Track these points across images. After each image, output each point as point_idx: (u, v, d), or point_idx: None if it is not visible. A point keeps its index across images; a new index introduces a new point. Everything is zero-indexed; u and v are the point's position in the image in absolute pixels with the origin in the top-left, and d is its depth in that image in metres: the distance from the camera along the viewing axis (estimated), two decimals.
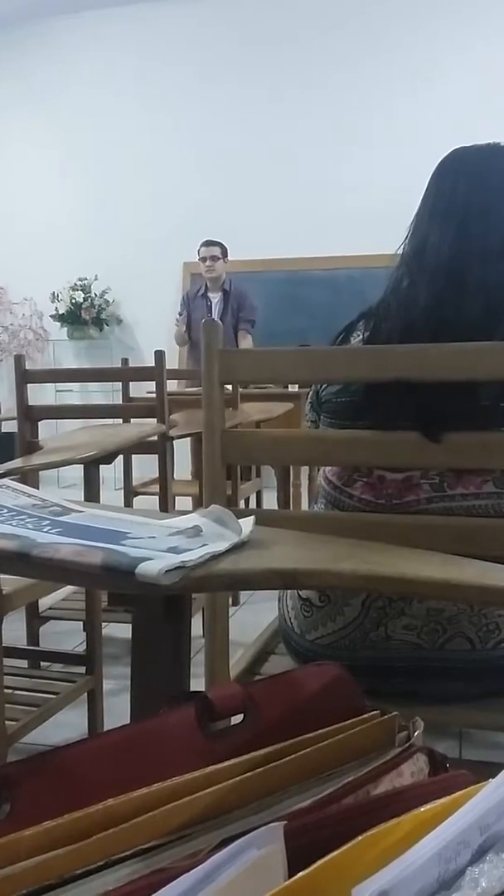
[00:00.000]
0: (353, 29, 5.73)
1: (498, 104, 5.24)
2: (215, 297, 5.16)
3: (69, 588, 2.50)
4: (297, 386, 3.77)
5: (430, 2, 5.54)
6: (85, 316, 6.20)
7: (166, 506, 2.65)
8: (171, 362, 4.65)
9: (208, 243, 5.08)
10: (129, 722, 0.63)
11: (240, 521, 0.82)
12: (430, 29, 5.56)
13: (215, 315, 5.10)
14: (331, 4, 5.76)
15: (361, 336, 1.17)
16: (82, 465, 1.81)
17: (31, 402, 2.38)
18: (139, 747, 0.58)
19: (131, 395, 3.31)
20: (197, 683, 0.83)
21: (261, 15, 5.90)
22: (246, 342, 5.02)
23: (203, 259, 5.08)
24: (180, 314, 5.28)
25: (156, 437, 2.47)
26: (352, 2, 5.72)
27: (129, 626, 0.79)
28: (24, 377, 2.39)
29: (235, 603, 2.91)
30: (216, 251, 5.06)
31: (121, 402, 3.31)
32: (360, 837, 0.44)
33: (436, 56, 5.56)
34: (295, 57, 5.87)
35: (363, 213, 5.47)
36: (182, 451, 3.49)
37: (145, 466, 3.29)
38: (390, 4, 5.64)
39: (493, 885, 0.43)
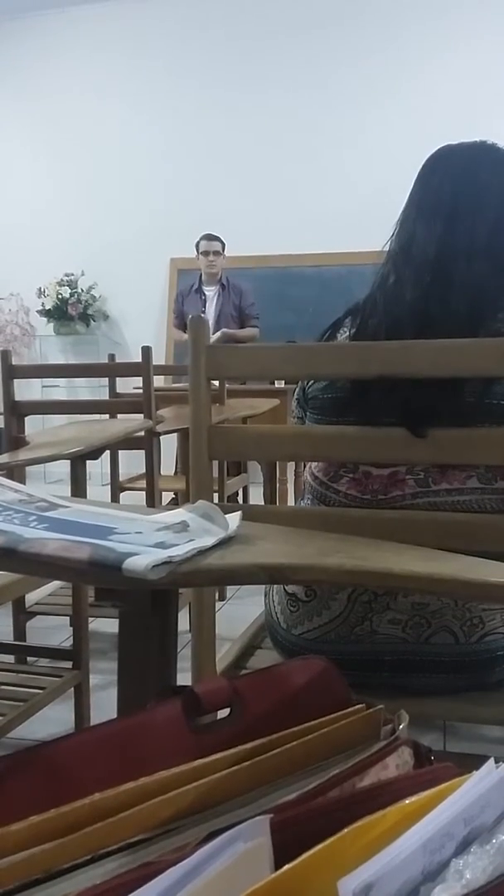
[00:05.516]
0: (342, 27, 5.72)
1: (484, 103, 5.26)
2: (211, 291, 4.98)
3: (56, 583, 2.50)
4: (283, 382, 3.77)
5: (423, 2, 5.53)
6: (71, 311, 6.17)
7: (153, 501, 2.65)
8: (158, 358, 4.64)
9: (210, 237, 4.89)
10: (115, 716, 0.63)
11: (226, 516, 0.82)
12: (421, 29, 5.56)
13: (212, 308, 4.94)
14: (322, 0, 5.75)
15: (348, 332, 1.18)
16: (69, 461, 1.81)
17: (17, 398, 2.37)
18: (126, 742, 0.58)
19: (118, 391, 3.30)
20: (184, 678, 0.83)
21: (251, 9, 5.88)
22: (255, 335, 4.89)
23: (206, 253, 4.88)
24: (176, 317, 5.13)
25: (142, 433, 2.47)
26: None
27: (116, 620, 0.79)
28: (11, 372, 2.39)
29: (222, 598, 2.91)
30: (218, 246, 4.89)
31: (107, 397, 3.30)
32: (345, 830, 0.45)
33: (424, 55, 5.55)
34: (283, 55, 5.85)
35: (351, 211, 5.47)
36: (169, 446, 3.49)
37: (132, 462, 3.28)
38: (383, 3, 5.63)
39: (477, 877, 0.43)
